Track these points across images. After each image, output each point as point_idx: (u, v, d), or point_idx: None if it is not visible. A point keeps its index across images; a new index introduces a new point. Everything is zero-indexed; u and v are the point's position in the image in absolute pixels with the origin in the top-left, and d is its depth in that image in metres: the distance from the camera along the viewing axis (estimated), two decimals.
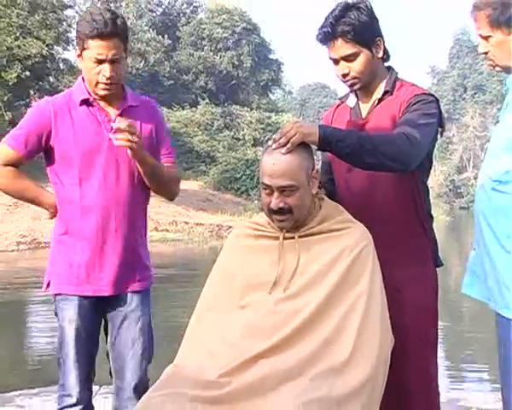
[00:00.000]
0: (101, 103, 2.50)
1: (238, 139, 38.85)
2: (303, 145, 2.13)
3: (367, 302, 2.05)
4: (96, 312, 2.53)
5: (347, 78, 2.34)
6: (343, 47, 2.29)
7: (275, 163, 2.10)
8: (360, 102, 2.44)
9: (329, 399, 1.85)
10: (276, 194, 2.12)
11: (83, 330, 2.48)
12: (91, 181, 2.45)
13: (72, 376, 2.47)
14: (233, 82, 43.52)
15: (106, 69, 2.38)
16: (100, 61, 2.37)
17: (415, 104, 2.28)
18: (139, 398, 2.39)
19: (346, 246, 2.12)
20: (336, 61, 2.34)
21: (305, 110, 73.01)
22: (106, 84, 2.41)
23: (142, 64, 40.29)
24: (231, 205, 29.32)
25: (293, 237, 2.17)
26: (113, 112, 2.51)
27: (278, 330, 2.00)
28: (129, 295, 2.54)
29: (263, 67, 44.55)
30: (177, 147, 36.28)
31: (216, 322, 2.13)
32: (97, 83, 2.43)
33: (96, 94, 2.48)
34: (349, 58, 2.30)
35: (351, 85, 2.37)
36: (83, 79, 2.52)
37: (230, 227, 20.10)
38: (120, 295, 2.53)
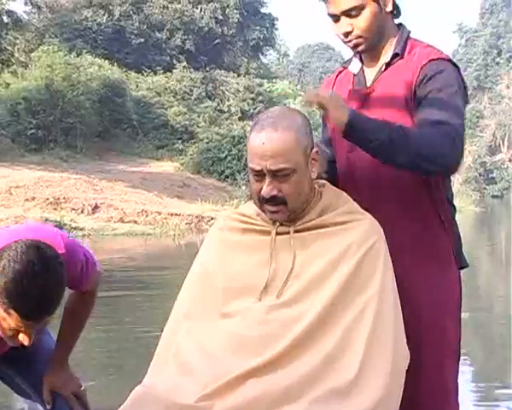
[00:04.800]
0: None
1: (222, 111, 38.84)
2: (300, 119, 2.15)
3: (377, 310, 2.06)
4: None
5: (350, 37, 2.34)
6: None
7: (265, 142, 2.10)
8: (365, 68, 2.45)
9: None
10: (267, 179, 2.12)
11: None
12: None
13: None
14: (216, 41, 43.40)
15: (25, 338, 2.27)
16: (18, 332, 2.27)
17: (433, 79, 2.27)
18: None
19: (352, 242, 2.14)
20: (337, 18, 2.34)
21: (304, 76, 72.98)
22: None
23: (104, 18, 40.03)
24: (214, 191, 29.33)
25: (288, 232, 2.19)
26: None
27: (271, 343, 2.01)
28: None
29: (253, 24, 44.46)
30: (148, 120, 36.20)
31: (194, 333, 2.14)
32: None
33: None
34: (352, 13, 2.30)
35: (354, 46, 2.38)
36: None
37: (213, 219, 20.11)
38: None
